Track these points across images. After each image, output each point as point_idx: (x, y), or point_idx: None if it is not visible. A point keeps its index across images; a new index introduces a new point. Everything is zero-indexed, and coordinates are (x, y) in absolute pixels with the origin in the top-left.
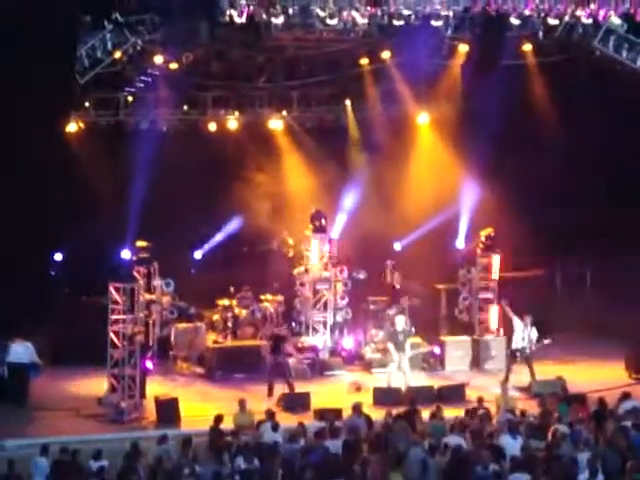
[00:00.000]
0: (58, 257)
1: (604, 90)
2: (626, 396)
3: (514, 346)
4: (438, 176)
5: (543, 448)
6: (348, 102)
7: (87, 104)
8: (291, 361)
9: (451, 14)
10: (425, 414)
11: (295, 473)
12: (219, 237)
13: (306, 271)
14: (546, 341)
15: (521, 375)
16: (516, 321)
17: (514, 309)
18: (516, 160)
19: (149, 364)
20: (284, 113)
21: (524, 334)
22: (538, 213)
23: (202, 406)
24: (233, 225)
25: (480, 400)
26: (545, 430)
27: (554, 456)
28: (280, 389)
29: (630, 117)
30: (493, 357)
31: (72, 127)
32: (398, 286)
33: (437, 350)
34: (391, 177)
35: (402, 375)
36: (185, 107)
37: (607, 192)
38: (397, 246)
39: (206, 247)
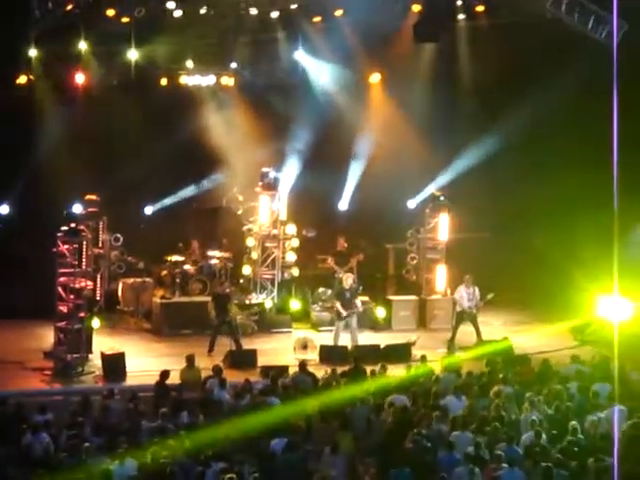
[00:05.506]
0: (4, 210)
1: (554, 52)
2: (574, 359)
3: (459, 308)
4: (389, 136)
5: (487, 409)
6: (299, 59)
7: (38, 56)
8: (238, 318)
9: None
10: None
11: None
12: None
13: (255, 228)
14: (489, 296)
15: (467, 335)
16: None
17: (460, 270)
18: (468, 121)
19: (96, 320)
20: (235, 68)
21: (468, 294)
22: (484, 174)
23: (148, 361)
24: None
25: (423, 358)
26: (490, 391)
27: (498, 417)
28: (227, 346)
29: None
30: (439, 317)
31: (22, 79)
32: (346, 244)
33: (382, 311)
34: (341, 136)
35: (349, 333)
36: (137, 61)
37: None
38: (343, 205)
39: (158, 204)
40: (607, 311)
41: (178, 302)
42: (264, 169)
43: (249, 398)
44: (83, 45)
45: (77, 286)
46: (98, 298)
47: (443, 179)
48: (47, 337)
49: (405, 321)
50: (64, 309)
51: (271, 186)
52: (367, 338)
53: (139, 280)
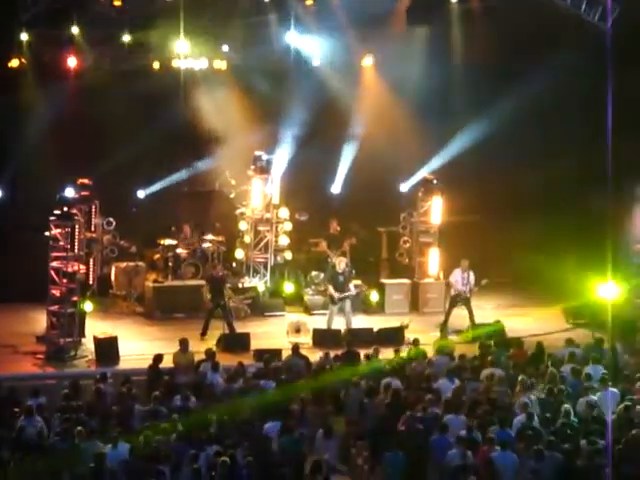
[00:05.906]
0: None
1: (548, 34)
2: (568, 342)
3: (453, 292)
4: (382, 119)
5: (480, 391)
6: (292, 42)
7: (30, 40)
8: (231, 302)
9: None
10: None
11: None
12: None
13: (248, 212)
14: (483, 281)
15: (460, 319)
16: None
17: (452, 253)
18: (461, 105)
19: (89, 303)
20: (227, 52)
21: (463, 279)
22: (478, 157)
23: (141, 345)
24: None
25: (416, 341)
26: (482, 373)
27: (490, 399)
28: (220, 330)
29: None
30: (432, 300)
31: (14, 63)
32: (339, 228)
33: (375, 295)
34: (334, 119)
35: (342, 317)
36: (129, 45)
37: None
38: (336, 189)
39: (151, 187)
40: (600, 294)
41: (171, 286)
42: (257, 152)
43: (242, 382)
44: (75, 29)
45: (70, 270)
46: (91, 282)
47: (436, 162)
48: (40, 321)
49: (398, 305)
50: (57, 293)
51: (264, 169)
52: (360, 322)
53: (132, 264)
